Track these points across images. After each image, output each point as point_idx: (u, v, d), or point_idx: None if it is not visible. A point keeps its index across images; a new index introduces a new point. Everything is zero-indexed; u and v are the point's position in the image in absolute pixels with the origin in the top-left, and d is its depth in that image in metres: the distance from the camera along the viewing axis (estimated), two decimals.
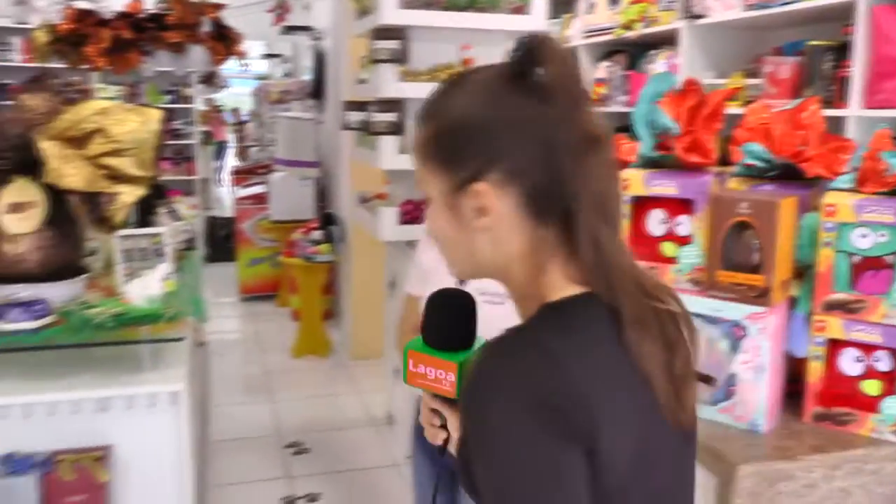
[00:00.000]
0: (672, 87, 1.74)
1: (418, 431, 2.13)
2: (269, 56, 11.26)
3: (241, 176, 8.37)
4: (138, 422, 2.24)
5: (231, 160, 12.80)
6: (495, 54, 1.19)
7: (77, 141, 2.46)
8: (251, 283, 7.23)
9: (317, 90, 6.36)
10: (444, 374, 1.10)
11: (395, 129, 3.48)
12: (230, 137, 13.13)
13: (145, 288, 2.30)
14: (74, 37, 5.12)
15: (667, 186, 1.72)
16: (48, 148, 2.25)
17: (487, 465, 0.88)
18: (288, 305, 6.65)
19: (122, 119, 2.45)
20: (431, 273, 2.02)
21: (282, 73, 10.67)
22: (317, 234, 5.47)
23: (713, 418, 1.65)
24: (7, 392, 2.10)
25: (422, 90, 3.65)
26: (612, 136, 0.97)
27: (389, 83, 3.42)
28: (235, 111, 13.24)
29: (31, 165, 2.35)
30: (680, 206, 1.74)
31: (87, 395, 2.15)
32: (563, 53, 0.93)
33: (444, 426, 1.17)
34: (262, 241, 7.08)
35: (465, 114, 0.95)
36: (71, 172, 2.27)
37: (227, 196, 10.91)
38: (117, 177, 2.48)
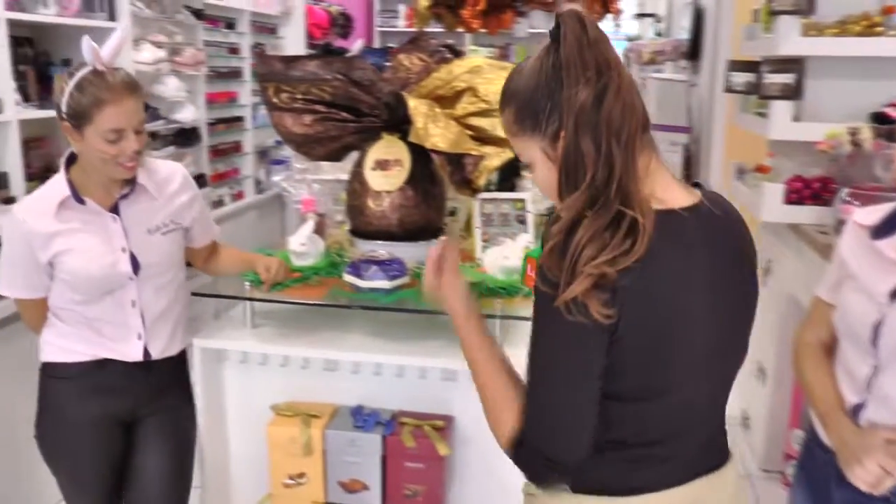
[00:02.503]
0: None
1: (806, 462, 1.74)
2: (642, 15, 10.81)
3: None
4: None
5: None
6: None
7: (446, 100, 2.39)
8: None
9: (693, 50, 5.85)
10: None
11: (792, 92, 2.95)
12: None
13: (503, 257, 2.15)
14: None
15: None
16: (417, 107, 2.18)
17: None
18: None
19: (493, 78, 2.30)
20: (851, 272, 1.57)
21: (653, 32, 10.18)
22: None
23: None
24: (360, 348, 2.10)
25: (828, 46, 3.08)
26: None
27: (789, 38, 2.90)
28: None
29: (399, 124, 2.32)
30: None
31: (433, 365, 2.07)
32: (576, 31, 1.15)
33: None
34: None
35: (533, 86, 1.20)
36: (437, 133, 2.18)
37: None
38: (484, 138, 2.36)
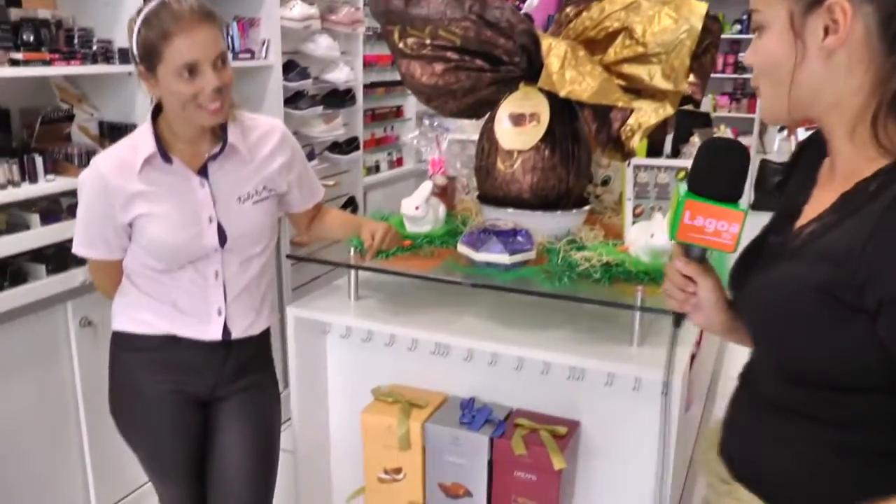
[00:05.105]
0: None
1: None
2: None
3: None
4: (615, 403, 1.76)
5: None
6: None
7: (597, 44, 2.01)
8: None
9: None
10: (727, 226, 1.09)
11: None
12: None
13: (649, 235, 1.76)
14: None
15: None
16: (553, 47, 1.82)
17: None
18: None
19: (653, 16, 1.91)
20: None
21: None
22: None
23: None
24: (473, 333, 1.79)
25: None
26: None
27: None
28: None
29: (540, 73, 1.97)
30: None
31: (557, 360, 1.72)
32: None
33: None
34: None
35: None
36: (576, 79, 1.82)
37: (785, 139, 9.80)
38: (638, 90, 1.97)
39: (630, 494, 1.79)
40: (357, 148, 3.80)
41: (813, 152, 1.09)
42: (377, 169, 4.21)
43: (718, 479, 1.14)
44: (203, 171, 1.68)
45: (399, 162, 4.47)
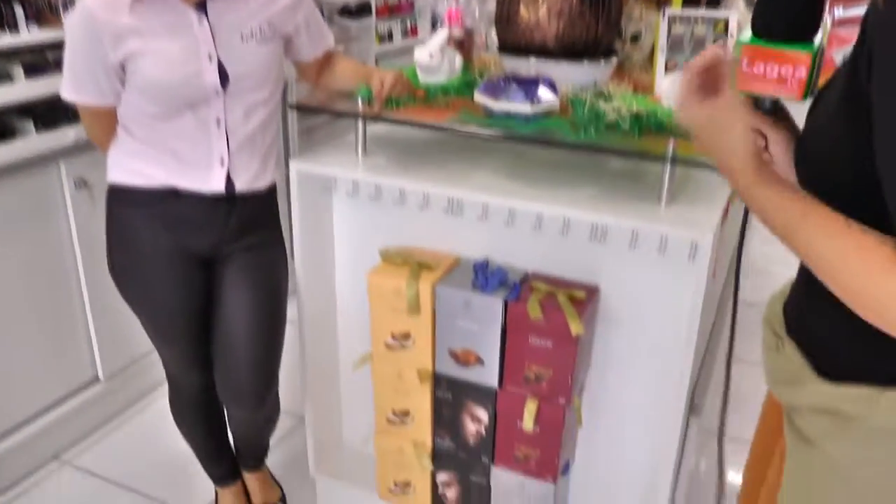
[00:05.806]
0: None
1: None
2: None
3: None
4: (639, 267, 1.64)
5: None
6: None
7: None
8: None
9: None
10: (792, 71, 0.95)
11: None
12: None
13: None
14: None
15: None
16: None
17: None
18: None
19: None
20: None
21: None
22: None
23: None
24: (490, 188, 1.65)
25: None
26: None
27: None
28: None
29: None
30: None
31: (579, 217, 1.59)
32: None
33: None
34: None
35: None
36: None
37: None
38: None
39: (649, 364, 1.69)
40: (369, 13, 3.58)
41: None
42: (390, 38, 3.99)
43: (772, 332, 1.08)
44: (202, 7, 1.54)
45: (414, 31, 4.24)
